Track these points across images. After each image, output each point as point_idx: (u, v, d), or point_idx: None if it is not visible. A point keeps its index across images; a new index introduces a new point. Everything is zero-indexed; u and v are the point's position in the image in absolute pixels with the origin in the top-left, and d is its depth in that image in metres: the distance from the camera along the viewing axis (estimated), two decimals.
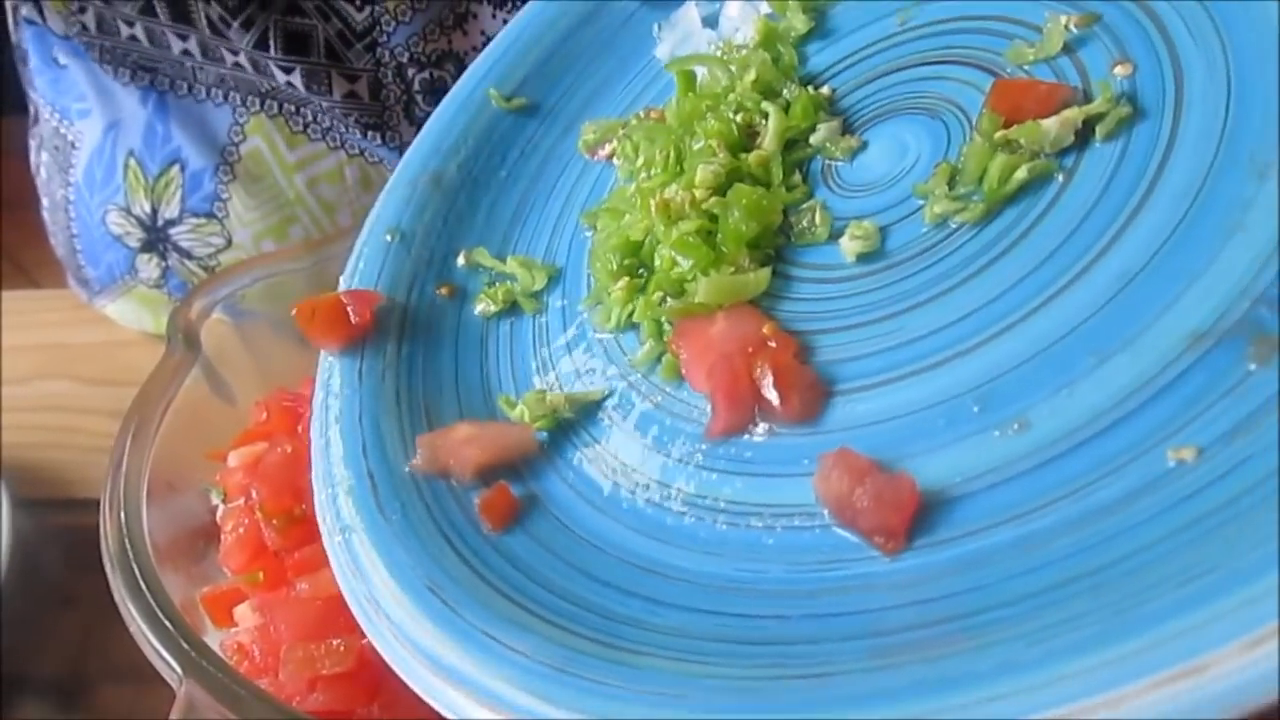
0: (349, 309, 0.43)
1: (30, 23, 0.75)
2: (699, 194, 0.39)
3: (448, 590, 0.33)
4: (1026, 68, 0.37)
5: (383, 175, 0.73)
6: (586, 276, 0.42)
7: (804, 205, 0.39)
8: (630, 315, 0.39)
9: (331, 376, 0.42)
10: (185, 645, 0.37)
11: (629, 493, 0.35)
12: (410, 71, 0.70)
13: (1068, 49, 0.36)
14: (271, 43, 0.67)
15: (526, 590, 0.33)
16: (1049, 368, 0.30)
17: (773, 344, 0.34)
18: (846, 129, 0.41)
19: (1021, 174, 0.34)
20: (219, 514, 0.47)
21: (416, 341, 0.43)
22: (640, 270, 0.40)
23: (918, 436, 0.31)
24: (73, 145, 0.79)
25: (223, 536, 0.45)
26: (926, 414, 0.31)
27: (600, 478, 0.37)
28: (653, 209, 0.39)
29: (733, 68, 0.43)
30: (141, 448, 0.45)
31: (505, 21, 0.62)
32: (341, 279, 0.46)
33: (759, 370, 0.34)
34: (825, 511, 0.31)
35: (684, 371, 0.36)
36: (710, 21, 0.48)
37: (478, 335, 0.43)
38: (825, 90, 0.42)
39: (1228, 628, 0.21)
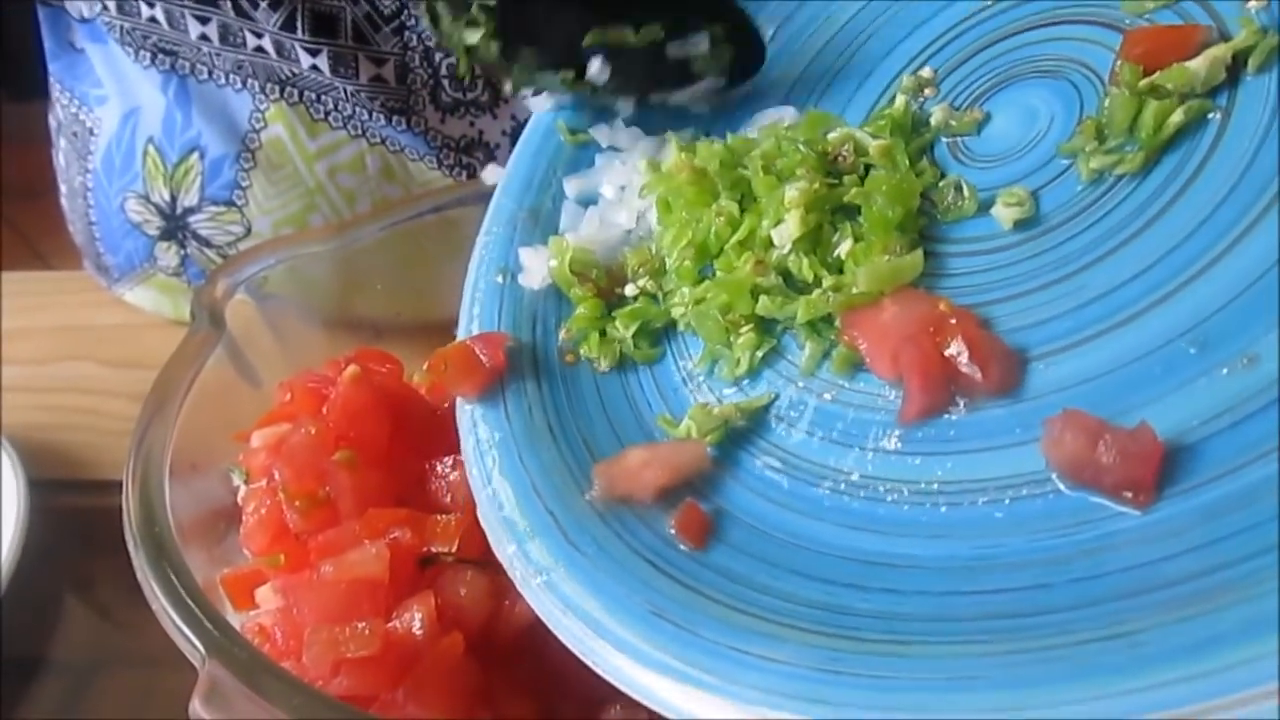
0: (479, 353, 0.43)
1: (45, 3, 0.74)
2: (796, 218, 0.38)
3: (674, 612, 0.32)
4: (1148, 16, 0.37)
5: (404, 164, 0.73)
6: None
7: (942, 183, 0.38)
8: (759, 360, 0.39)
9: (478, 425, 0.41)
10: (209, 625, 0.36)
11: (828, 490, 0.35)
12: (438, 56, 0.69)
13: None
14: (299, 24, 0.67)
15: (754, 600, 0.32)
16: (1264, 298, 0.30)
17: (953, 320, 0.34)
18: (958, 106, 0.41)
19: (1178, 117, 0.34)
20: (240, 495, 0.46)
21: (554, 376, 0.43)
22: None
23: (1137, 387, 0.31)
24: (91, 132, 0.77)
25: (244, 517, 0.43)
26: (1139, 365, 0.31)
27: (785, 480, 0.36)
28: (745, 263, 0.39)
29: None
30: (165, 424, 0.44)
31: None
32: (460, 326, 0.46)
33: (950, 347, 0.33)
34: (1054, 476, 0.31)
35: (867, 361, 0.35)
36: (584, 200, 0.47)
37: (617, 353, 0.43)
38: (926, 72, 0.42)
39: None
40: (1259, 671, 0.23)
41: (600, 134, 0.47)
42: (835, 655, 0.29)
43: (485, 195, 0.53)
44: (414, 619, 0.37)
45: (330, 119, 0.72)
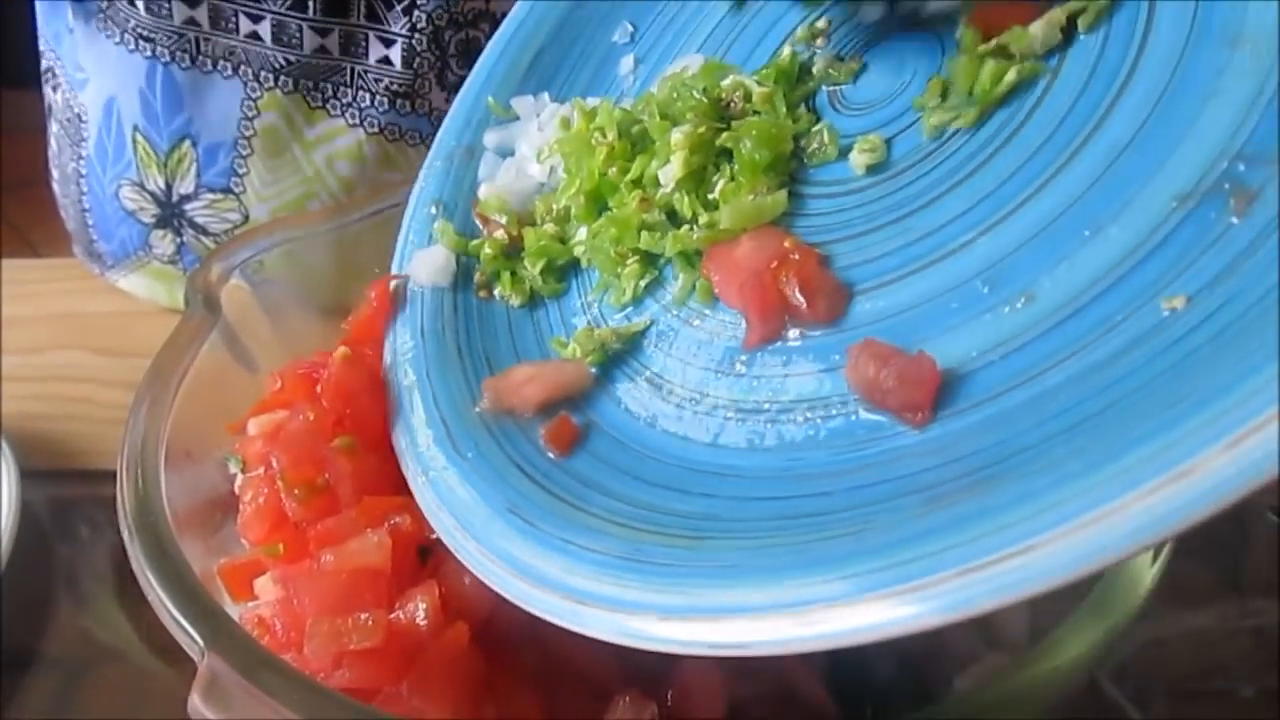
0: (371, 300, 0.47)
1: None
2: (680, 159, 0.41)
3: (526, 510, 0.37)
4: None
5: (403, 151, 0.73)
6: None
7: (813, 129, 0.41)
8: (642, 289, 0.42)
9: (397, 339, 0.46)
10: (208, 617, 0.35)
11: (677, 407, 0.39)
12: (448, 34, 0.69)
13: None
14: (310, 2, 0.67)
15: (595, 501, 0.36)
16: (1049, 244, 0.33)
17: (795, 256, 0.37)
18: (842, 57, 0.43)
19: (1011, 76, 0.36)
20: (237, 484, 0.45)
21: (470, 304, 0.47)
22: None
23: (936, 320, 0.34)
24: (80, 118, 0.76)
25: (241, 507, 0.43)
26: (941, 300, 0.34)
27: (651, 398, 0.40)
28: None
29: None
30: (160, 410, 0.44)
31: None
32: (395, 254, 0.50)
33: (785, 281, 0.37)
34: (855, 398, 0.34)
35: (717, 292, 0.39)
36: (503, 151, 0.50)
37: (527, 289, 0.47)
38: (821, 23, 0.45)
39: (1210, 434, 0.24)
40: (950, 559, 0.26)
41: (522, 105, 0.51)
42: (639, 547, 0.33)
43: None
44: (418, 609, 0.37)
45: (328, 107, 0.72)
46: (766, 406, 0.36)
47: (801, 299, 0.36)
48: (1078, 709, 0.50)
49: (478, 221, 0.49)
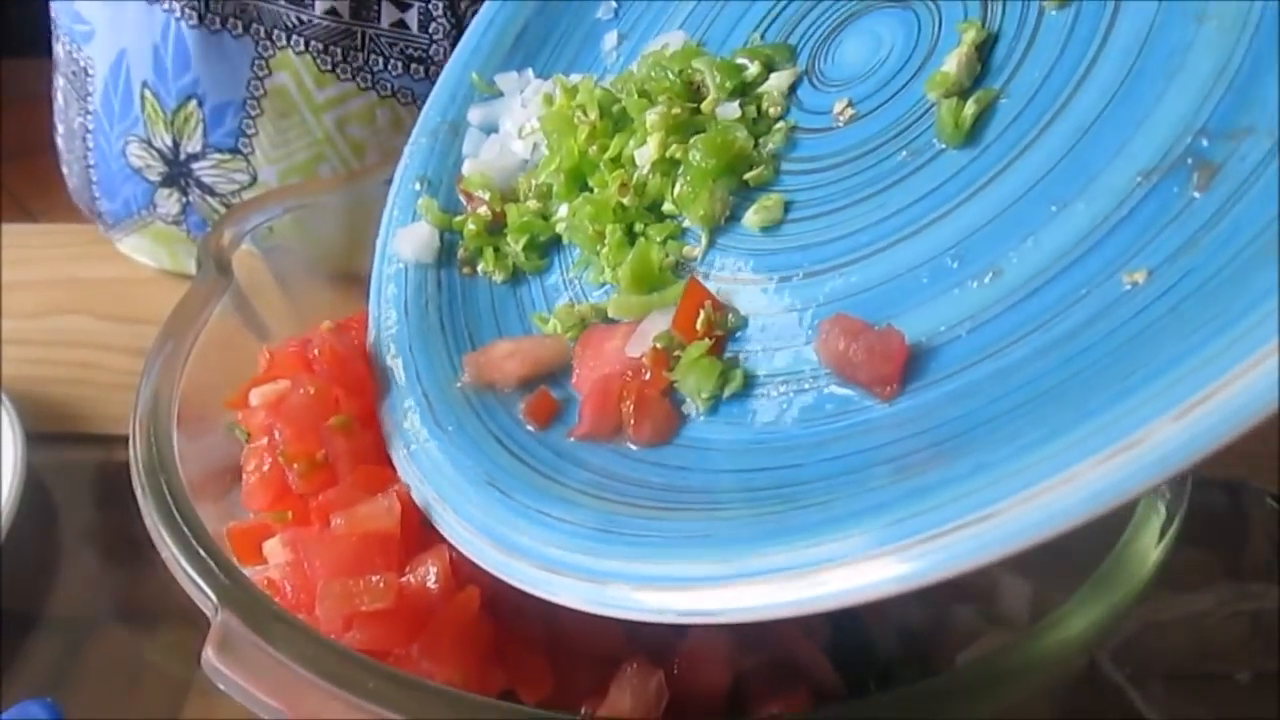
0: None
1: None
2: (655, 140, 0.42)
3: (503, 481, 0.37)
4: None
5: (415, 117, 0.68)
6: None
7: (774, 128, 0.42)
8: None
9: (381, 315, 0.46)
10: (222, 572, 0.35)
11: None
12: (463, 3, 0.68)
13: None
14: None
15: (570, 473, 0.37)
16: (1016, 220, 0.33)
17: (647, 375, 0.38)
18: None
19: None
20: (243, 454, 0.45)
21: (453, 281, 0.47)
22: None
23: (904, 296, 0.34)
24: (86, 72, 0.75)
25: (244, 476, 0.43)
26: (911, 275, 0.35)
27: None
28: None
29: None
30: (173, 369, 0.44)
31: None
32: (380, 229, 0.50)
33: (625, 398, 0.38)
34: (826, 372, 0.35)
35: (575, 368, 0.41)
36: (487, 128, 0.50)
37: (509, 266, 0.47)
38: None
39: (1161, 404, 0.24)
40: (913, 526, 0.27)
41: (505, 82, 0.51)
42: (612, 518, 0.34)
43: None
44: (429, 573, 0.37)
45: (338, 70, 0.71)
46: (742, 382, 0.37)
47: (631, 420, 0.37)
48: (1076, 690, 0.50)
49: (461, 198, 0.49)
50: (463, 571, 0.37)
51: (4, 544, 0.57)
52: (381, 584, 0.35)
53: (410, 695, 0.32)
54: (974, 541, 0.26)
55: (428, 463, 0.40)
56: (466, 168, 0.50)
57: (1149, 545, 0.36)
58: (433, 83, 0.68)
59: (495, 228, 0.48)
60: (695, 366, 0.37)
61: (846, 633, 0.42)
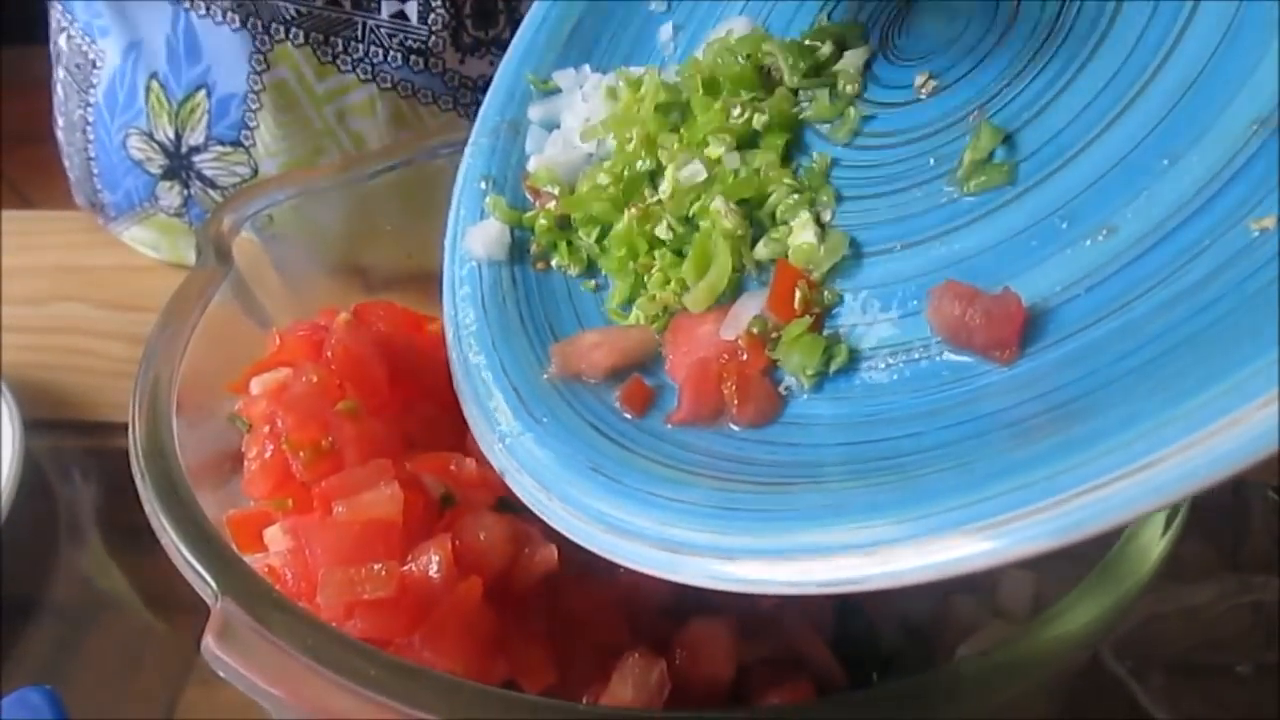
0: None
1: None
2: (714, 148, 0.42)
3: (608, 467, 0.37)
4: None
5: (415, 109, 0.72)
6: None
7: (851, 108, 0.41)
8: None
9: (458, 313, 0.46)
10: (222, 559, 0.35)
11: None
12: None
13: None
14: None
15: (678, 456, 0.37)
16: (1126, 176, 0.33)
17: (744, 356, 0.38)
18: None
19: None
20: (244, 441, 0.44)
21: (528, 275, 0.47)
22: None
23: (1013, 259, 0.34)
24: (94, 65, 0.75)
25: (245, 464, 0.42)
26: (1019, 238, 0.34)
27: None
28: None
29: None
30: (173, 356, 0.43)
31: None
32: (447, 228, 0.50)
33: (726, 378, 0.37)
34: (937, 340, 0.34)
35: (668, 357, 0.40)
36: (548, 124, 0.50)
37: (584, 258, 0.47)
38: None
39: None
40: (1038, 492, 0.27)
41: (564, 79, 0.51)
42: (730, 496, 0.33)
43: None
44: (431, 562, 0.36)
45: (339, 62, 0.71)
46: (846, 360, 0.37)
47: (735, 401, 0.36)
48: (1077, 683, 0.50)
49: (528, 195, 0.49)
50: (465, 561, 0.37)
51: (3, 530, 0.56)
52: (383, 572, 0.35)
53: (411, 684, 0.32)
54: (1135, 490, 0.25)
55: (525, 454, 0.39)
56: (532, 164, 0.50)
57: (1153, 539, 0.36)
58: (432, 75, 0.71)
59: (565, 222, 0.47)
60: (798, 344, 0.37)
61: (850, 624, 0.43)
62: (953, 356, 0.34)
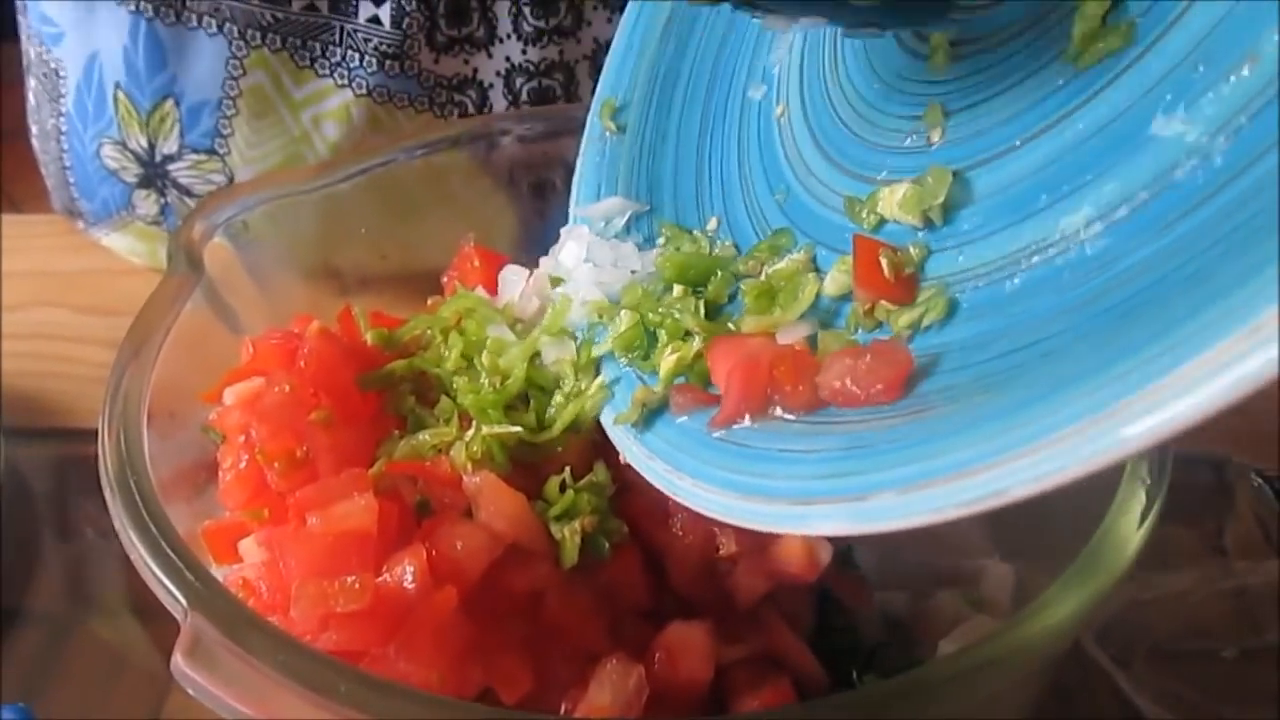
0: None
1: None
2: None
3: (735, 434, 0.35)
4: None
5: (391, 114, 0.71)
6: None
7: None
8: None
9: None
10: (191, 576, 0.35)
11: None
12: None
13: None
14: None
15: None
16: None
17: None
18: None
19: None
20: (219, 451, 0.44)
21: None
22: None
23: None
24: (57, 73, 0.74)
25: (221, 474, 0.42)
26: (1152, 94, 0.30)
27: None
28: None
29: None
30: (143, 367, 0.43)
31: None
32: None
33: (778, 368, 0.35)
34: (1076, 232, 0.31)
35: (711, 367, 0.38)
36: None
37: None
38: None
39: None
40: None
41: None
42: (859, 435, 0.31)
43: (475, 137, 0.58)
44: (405, 572, 0.36)
45: (316, 66, 0.70)
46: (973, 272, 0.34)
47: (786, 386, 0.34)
48: (1060, 671, 0.49)
49: None
50: (440, 570, 0.37)
51: None
52: (357, 585, 0.35)
53: (384, 698, 0.32)
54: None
55: (653, 438, 0.38)
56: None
57: (1130, 529, 0.35)
58: (407, 78, 0.71)
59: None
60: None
61: (830, 621, 0.43)
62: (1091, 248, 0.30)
